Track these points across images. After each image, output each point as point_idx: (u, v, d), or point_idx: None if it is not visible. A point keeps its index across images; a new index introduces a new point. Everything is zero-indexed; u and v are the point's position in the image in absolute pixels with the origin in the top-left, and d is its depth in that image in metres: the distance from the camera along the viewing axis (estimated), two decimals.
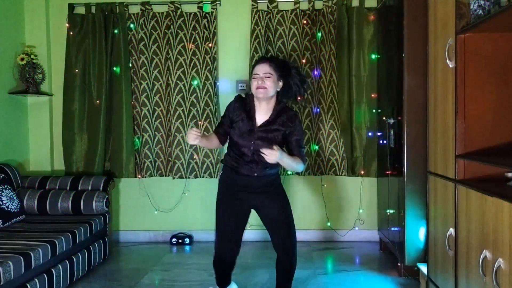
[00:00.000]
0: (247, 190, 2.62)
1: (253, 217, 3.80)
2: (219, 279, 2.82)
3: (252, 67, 2.66)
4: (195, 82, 4.11)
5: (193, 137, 2.42)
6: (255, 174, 2.59)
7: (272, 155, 2.39)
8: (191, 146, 4.11)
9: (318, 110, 4.10)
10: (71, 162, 4.19)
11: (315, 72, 4.06)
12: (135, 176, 4.20)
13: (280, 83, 2.58)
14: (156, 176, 4.23)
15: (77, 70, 4.18)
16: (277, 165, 2.58)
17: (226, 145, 2.74)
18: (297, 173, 4.14)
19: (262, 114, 2.59)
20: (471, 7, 2.05)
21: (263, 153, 2.41)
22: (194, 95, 4.12)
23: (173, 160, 4.15)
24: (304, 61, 4.08)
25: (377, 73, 4.05)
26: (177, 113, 4.13)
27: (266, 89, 2.51)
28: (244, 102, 2.62)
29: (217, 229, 2.69)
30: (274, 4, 4.13)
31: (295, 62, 4.07)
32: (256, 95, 2.54)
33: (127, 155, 4.15)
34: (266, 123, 2.57)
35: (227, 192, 2.67)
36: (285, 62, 2.64)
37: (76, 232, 3.19)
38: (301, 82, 2.62)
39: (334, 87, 4.08)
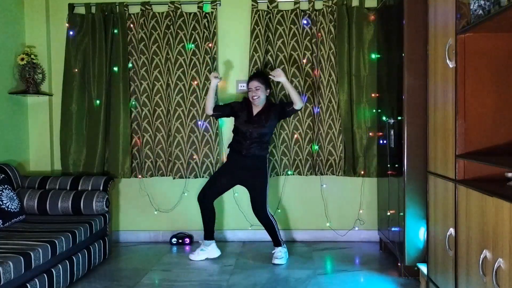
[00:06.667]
0: (240, 167, 3.74)
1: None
2: (205, 221, 3.80)
3: (246, 84, 3.90)
4: (195, 82, 4.12)
5: (216, 78, 3.79)
6: (251, 153, 3.71)
7: (277, 72, 3.69)
8: (191, 146, 4.13)
9: (318, 110, 4.10)
10: (68, 163, 4.18)
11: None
12: (132, 176, 4.19)
13: (268, 90, 3.84)
14: (157, 176, 4.23)
15: (76, 70, 4.18)
16: (265, 146, 3.78)
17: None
18: (298, 174, 4.16)
19: (256, 110, 3.80)
20: (471, 7, 2.05)
21: (272, 75, 3.70)
22: (194, 95, 4.12)
23: (173, 160, 4.15)
24: (304, 60, 4.08)
25: (377, 73, 4.05)
26: (177, 114, 4.13)
27: (259, 97, 3.73)
28: (246, 102, 3.85)
29: (211, 177, 3.89)
30: (274, 4, 4.13)
31: (295, 62, 4.08)
32: (253, 102, 3.78)
33: (123, 155, 4.14)
34: (259, 113, 3.76)
35: (230, 164, 3.82)
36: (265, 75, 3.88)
37: (76, 232, 3.19)
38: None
39: (333, 87, 4.08)
